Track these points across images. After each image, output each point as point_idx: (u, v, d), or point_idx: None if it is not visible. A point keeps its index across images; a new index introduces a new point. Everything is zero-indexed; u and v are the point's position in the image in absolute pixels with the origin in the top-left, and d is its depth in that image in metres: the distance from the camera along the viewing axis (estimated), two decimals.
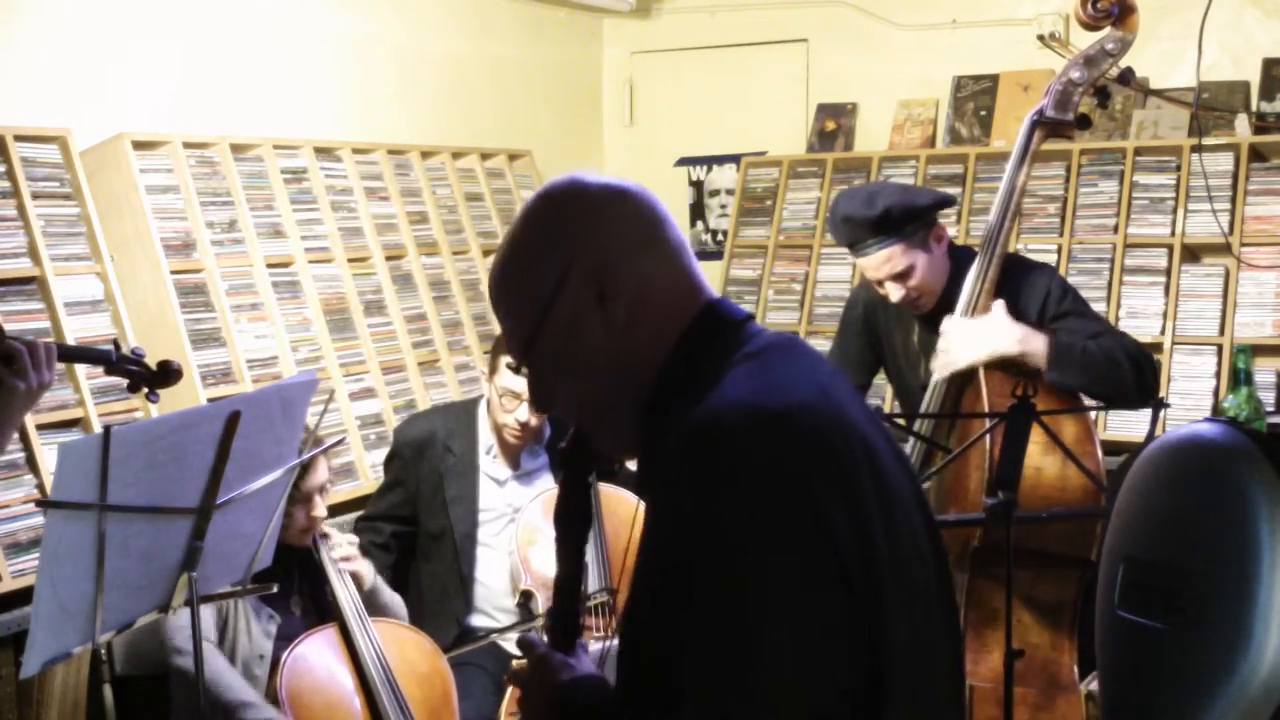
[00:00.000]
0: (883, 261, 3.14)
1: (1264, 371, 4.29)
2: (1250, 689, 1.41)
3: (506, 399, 3.46)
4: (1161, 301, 4.48)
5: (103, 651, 3.05)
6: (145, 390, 2.47)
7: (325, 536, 3.08)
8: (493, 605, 3.57)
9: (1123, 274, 4.56)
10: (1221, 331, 4.38)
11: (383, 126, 4.72)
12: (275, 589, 2.76)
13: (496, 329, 3.98)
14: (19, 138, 3.41)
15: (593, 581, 3.33)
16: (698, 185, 5.77)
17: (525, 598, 3.39)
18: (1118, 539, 1.62)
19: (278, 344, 3.90)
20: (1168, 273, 4.50)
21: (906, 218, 3.10)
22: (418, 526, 3.62)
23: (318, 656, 2.92)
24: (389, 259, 4.38)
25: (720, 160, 5.73)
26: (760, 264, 5.20)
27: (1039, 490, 2.99)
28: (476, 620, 3.56)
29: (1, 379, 2.22)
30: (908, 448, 3.12)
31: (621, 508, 3.43)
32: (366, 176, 4.41)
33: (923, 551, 1.36)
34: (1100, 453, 3.10)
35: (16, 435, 3.18)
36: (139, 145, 3.71)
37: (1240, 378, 4.00)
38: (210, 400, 3.53)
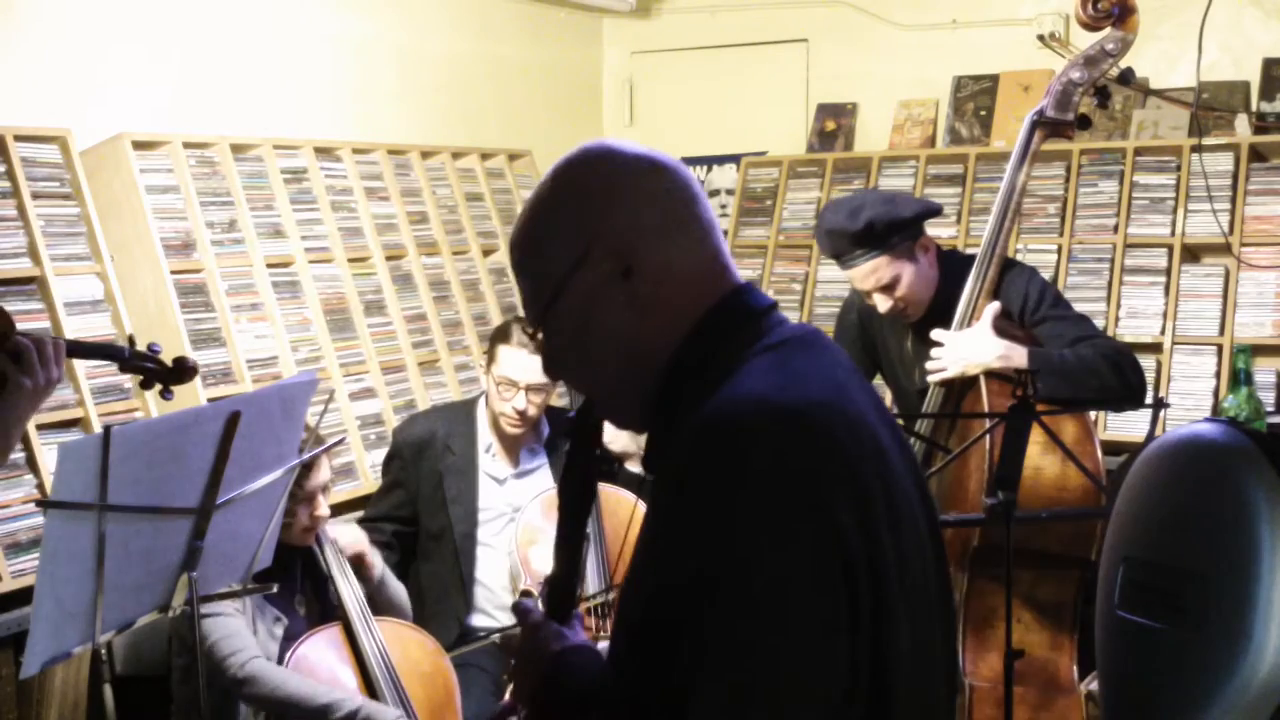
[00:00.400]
0: (868, 273, 3.15)
1: (1264, 371, 4.29)
2: (1250, 689, 1.41)
3: (504, 388, 3.46)
4: (1161, 301, 4.48)
5: (103, 651, 3.05)
6: (160, 388, 2.46)
7: (329, 537, 3.08)
8: (493, 605, 3.57)
9: (1123, 274, 4.56)
10: (1221, 331, 4.38)
11: (383, 126, 4.73)
12: (275, 589, 2.76)
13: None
14: (19, 138, 3.41)
15: (592, 583, 3.33)
16: None
17: (525, 597, 3.39)
18: (1118, 539, 1.62)
19: (278, 344, 3.91)
20: (1168, 273, 4.50)
21: (890, 229, 3.10)
22: (418, 527, 3.62)
23: (321, 655, 2.92)
24: (389, 259, 4.38)
25: (720, 160, 5.74)
26: (760, 264, 5.20)
27: (1039, 490, 3.00)
28: (477, 620, 3.56)
29: (9, 375, 2.21)
30: None
31: (621, 508, 3.42)
32: (366, 176, 4.41)
33: (925, 552, 1.36)
34: (1099, 453, 3.10)
35: None
36: (139, 145, 3.71)
37: (1240, 378, 4.00)
38: (210, 400, 3.53)
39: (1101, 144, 4.80)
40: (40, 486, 3.16)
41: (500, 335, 3.50)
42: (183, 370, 2.48)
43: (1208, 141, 4.48)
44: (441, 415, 3.71)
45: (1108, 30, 3.20)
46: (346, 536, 3.13)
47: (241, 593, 2.66)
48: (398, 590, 3.27)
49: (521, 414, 3.47)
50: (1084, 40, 3.31)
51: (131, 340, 2.51)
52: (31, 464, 3.18)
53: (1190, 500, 1.52)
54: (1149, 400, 3.12)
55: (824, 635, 1.22)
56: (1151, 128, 4.80)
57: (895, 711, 1.27)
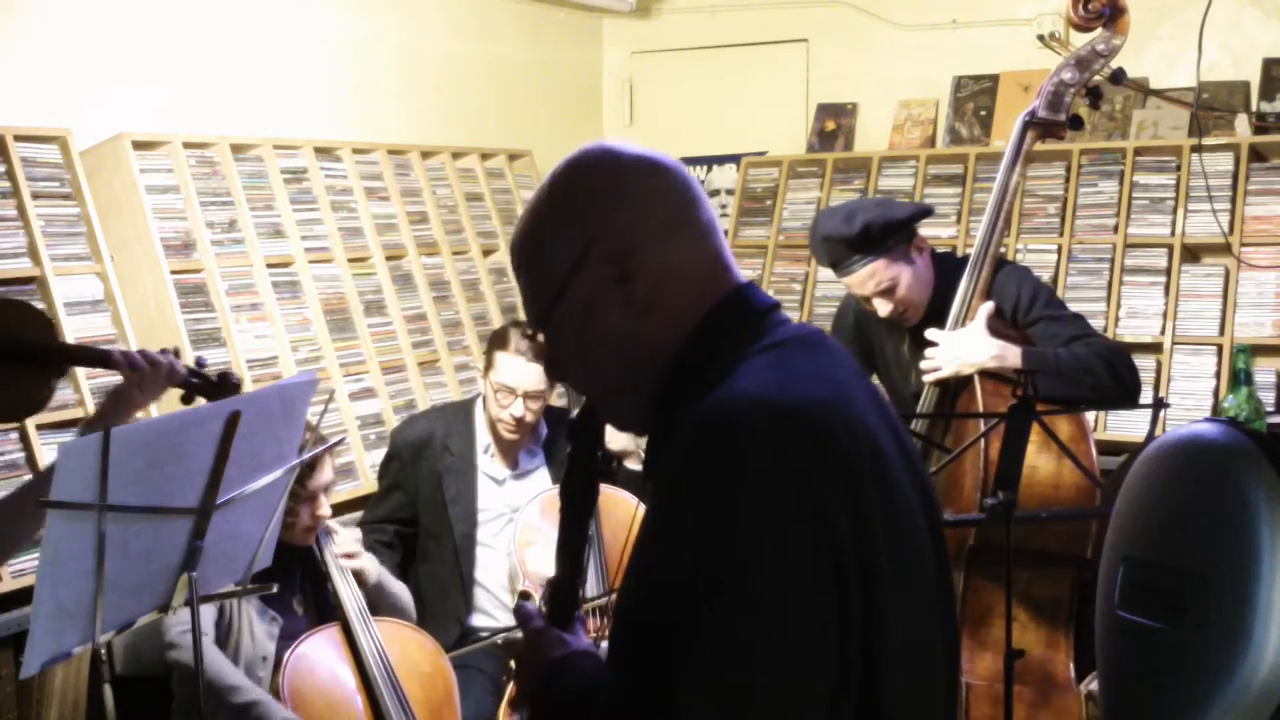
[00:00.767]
0: (867, 278, 3.16)
1: (1264, 371, 4.29)
2: (1250, 689, 1.41)
3: (502, 394, 3.46)
4: (1161, 301, 4.48)
5: (103, 651, 3.05)
6: (203, 402, 2.49)
7: (330, 532, 3.09)
8: (492, 605, 3.57)
9: (1123, 274, 4.56)
10: (1221, 331, 4.38)
11: (383, 126, 4.73)
12: (275, 589, 2.76)
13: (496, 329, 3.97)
14: (19, 138, 3.41)
15: (591, 584, 3.33)
16: None
17: (524, 598, 3.39)
18: (1118, 539, 1.62)
19: (278, 344, 3.91)
20: (1168, 273, 4.50)
21: (886, 232, 3.12)
22: (418, 528, 3.62)
23: (320, 656, 2.92)
24: (389, 259, 4.38)
25: (720, 160, 5.74)
26: (760, 264, 5.20)
27: (1033, 489, 3.00)
28: (477, 620, 3.56)
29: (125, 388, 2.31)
30: None
31: (620, 509, 3.42)
32: (366, 176, 4.41)
33: (924, 555, 1.35)
34: (1094, 451, 3.11)
35: (16, 435, 3.19)
36: (139, 145, 3.71)
37: (1240, 378, 4.00)
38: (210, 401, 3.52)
39: (1101, 144, 4.80)
40: None
41: (498, 342, 3.49)
42: (226, 385, 2.50)
43: (1208, 141, 4.48)
44: (439, 416, 3.71)
45: (1099, 31, 3.21)
46: (342, 541, 3.13)
47: (242, 593, 2.66)
48: (398, 591, 3.27)
49: (519, 420, 3.47)
50: (1084, 41, 3.31)
51: (177, 353, 2.53)
52: (31, 464, 3.18)
53: (1190, 500, 1.52)
54: (1149, 400, 3.13)
55: (817, 635, 1.22)
56: (1151, 128, 4.80)
57: (887, 712, 1.27)
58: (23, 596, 2.86)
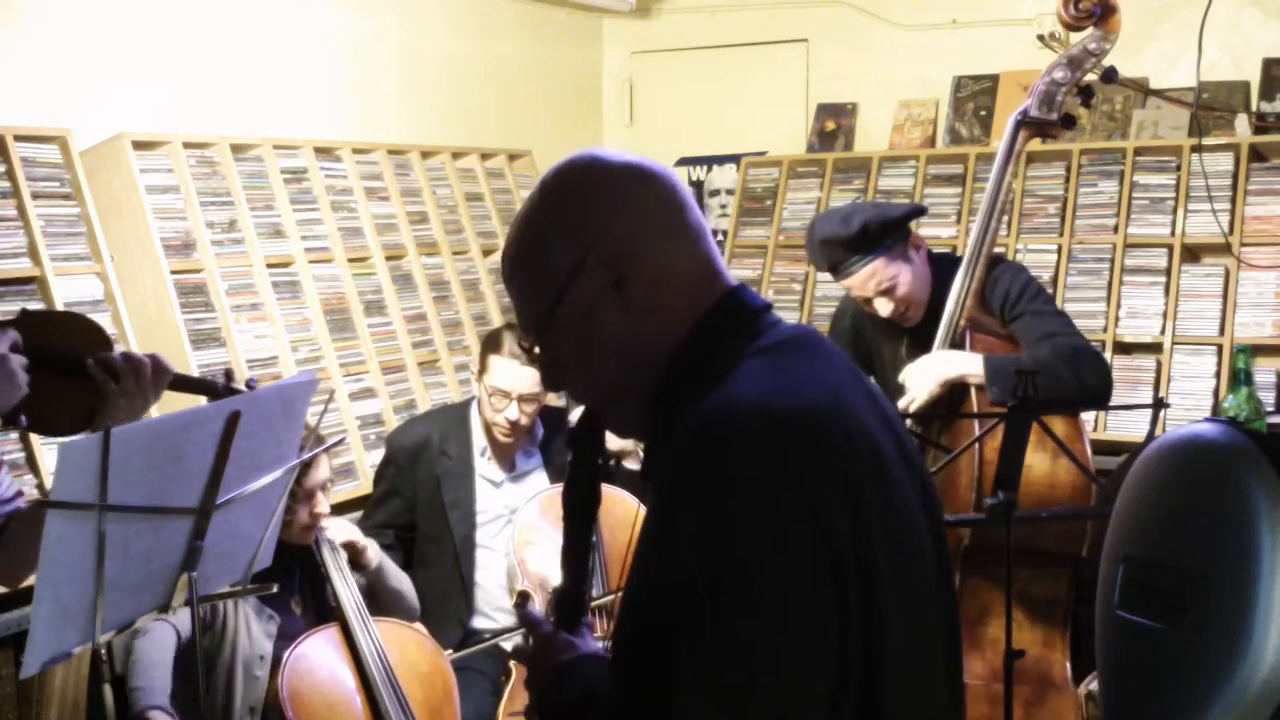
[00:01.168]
0: (867, 278, 3.16)
1: (1264, 371, 4.29)
2: (1250, 689, 1.41)
3: (496, 398, 3.45)
4: (1161, 301, 4.48)
5: (103, 651, 3.05)
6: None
7: (322, 529, 3.08)
8: (492, 607, 3.57)
9: (1123, 274, 4.56)
10: (1221, 331, 4.38)
11: (383, 126, 4.73)
12: (275, 589, 2.77)
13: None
14: (19, 138, 3.41)
15: (593, 586, 3.33)
16: (698, 185, 5.77)
17: (522, 599, 3.39)
18: (1117, 539, 1.62)
19: (278, 344, 3.91)
20: (1168, 273, 4.50)
21: (884, 231, 3.13)
22: (416, 533, 3.61)
23: (319, 656, 2.92)
24: (389, 259, 4.38)
25: (720, 160, 5.74)
26: (760, 264, 5.20)
27: (1028, 488, 3.01)
28: (478, 622, 3.56)
29: (107, 394, 2.23)
30: None
31: (619, 509, 3.42)
32: (366, 176, 4.41)
33: (924, 553, 1.36)
34: (1089, 451, 3.12)
35: (16, 435, 3.18)
36: (139, 145, 3.71)
37: (1240, 378, 4.00)
38: (210, 400, 3.52)
39: (1101, 144, 4.80)
40: (40, 486, 3.16)
41: (491, 345, 3.48)
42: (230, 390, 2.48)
43: (1208, 141, 4.48)
44: (435, 419, 3.71)
45: (1090, 30, 3.22)
46: (339, 528, 3.13)
47: (242, 593, 2.66)
48: (400, 577, 3.26)
49: (514, 424, 3.46)
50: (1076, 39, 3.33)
51: (229, 373, 2.51)
52: (31, 464, 3.18)
53: (1190, 500, 1.52)
54: (1149, 400, 3.13)
55: (817, 635, 1.22)
56: (1151, 128, 4.80)
57: (888, 711, 1.27)
58: (23, 596, 2.85)
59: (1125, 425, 4.29)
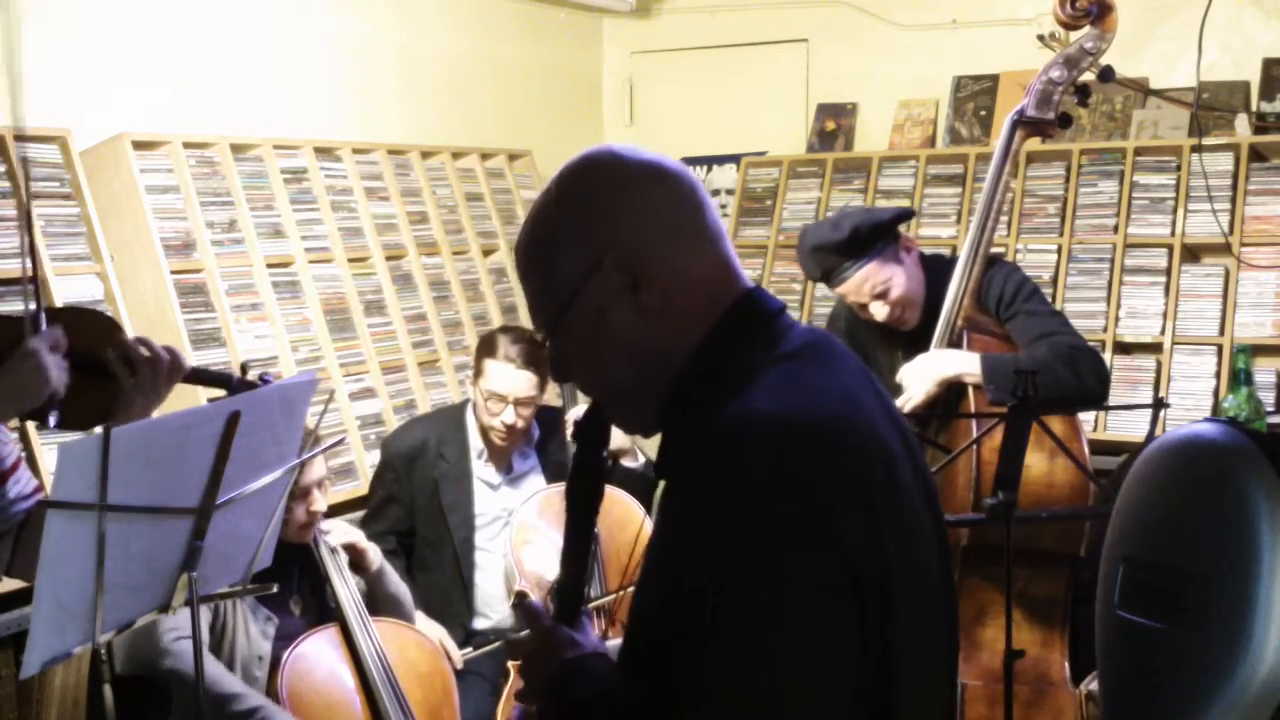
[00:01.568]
0: (861, 281, 3.17)
1: (1264, 371, 4.29)
2: (1250, 689, 1.41)
3: (492, 402, 3.44)
4: (1161, 301, 4.48)
5: (103, 651, 3.05)
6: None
7: (324, 532, 3.08)
8: (491, 608, 3.57)
9: (1123, 274, 4.56)
10: (1221, 331, 4.38)
11: (383, 126, 4.73)
12: (275, 589, 2.77)
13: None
14: (19, 138, 3.41)
15: (592, 585, 3.33)
16: None
17: (520, 599, 3.39)
18: (1118, 538, 1.62)
19: (278, 344, 3.90)
20: (1168, 273, 4.50)
21: (874, 234, 3.13)
22: (416, 538, 3.61)
23: (318, 656, 2.92)
24: (389, 259, 4.38)
25: (720, 160, 5.74)
26: (760, 264, 5.20)
27: (1026, 488, 3.01)
28: (479, 624, 3.56)
29: (124, 386, 2.22)
30: None
31: (617, 508, 3.42)
32: (366, 176, 4.41)
33: (930, 555, 1.36)
34: (1087, 450, 3.12)
35: (16, 435, 3.18)
36: (139, 145, 3.71)
37: (1240, 378, 4.00)
38: (210, 400, 3.52)
39: (1101, 144, 4.80)
40: (40, 486, 3.15)
41: (486, 349, 3.47)
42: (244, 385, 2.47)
43: (1208, 141, 4.48)
44: (431, 422, 3.70)
45: (1086, 29, 3.22)
46: (340, 529, 3.13)
47: (241, 593, 2.65)
48: (398, 583, 3.26)
49: (510, 428, 3.46)
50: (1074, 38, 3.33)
51: (244, 368, 2.50)
52: (31, 464, 3.18)
53: (1190, 500, 1.52)
54: (1149, 400, 3.13)
55: (830, 641, 1.23)
56: (1151, 128, 4.80)
57: (902, 713, 1.28)
58: (23, 596, 2.85)
59: (1125, 425, 4.29)
